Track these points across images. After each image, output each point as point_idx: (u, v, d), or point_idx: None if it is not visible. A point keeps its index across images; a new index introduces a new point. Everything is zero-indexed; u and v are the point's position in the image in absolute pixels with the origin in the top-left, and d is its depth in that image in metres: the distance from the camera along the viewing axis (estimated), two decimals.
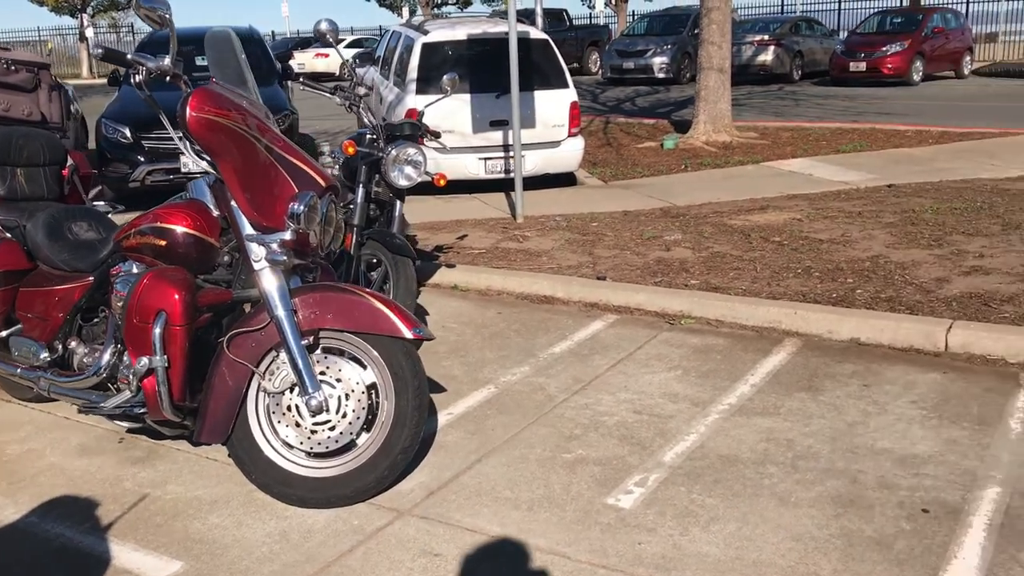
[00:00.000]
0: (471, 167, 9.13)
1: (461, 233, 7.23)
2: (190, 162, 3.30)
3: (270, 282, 3.24)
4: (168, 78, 3.16)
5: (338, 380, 3.31)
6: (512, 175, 8.93)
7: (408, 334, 3.24)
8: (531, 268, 6.11)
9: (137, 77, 3.12)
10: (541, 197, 8.72)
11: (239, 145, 3.15)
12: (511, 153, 8.99)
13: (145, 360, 3.19)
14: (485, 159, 9.13)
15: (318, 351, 3.33)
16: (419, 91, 9.25)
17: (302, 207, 3.17)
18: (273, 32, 41.29)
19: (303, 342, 3.24)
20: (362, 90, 4.89)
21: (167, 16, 3.04)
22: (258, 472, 3.32)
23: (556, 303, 5.59)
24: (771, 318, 4.98)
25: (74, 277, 3.77)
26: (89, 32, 36.48)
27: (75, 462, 3.73)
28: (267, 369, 3.30)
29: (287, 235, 3.20)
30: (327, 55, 30.13)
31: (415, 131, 4.86)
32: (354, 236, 4.57)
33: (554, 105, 9.37)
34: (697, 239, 6.82)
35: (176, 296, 3.19)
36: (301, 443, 3.32)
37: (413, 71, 9.45)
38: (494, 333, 5.09)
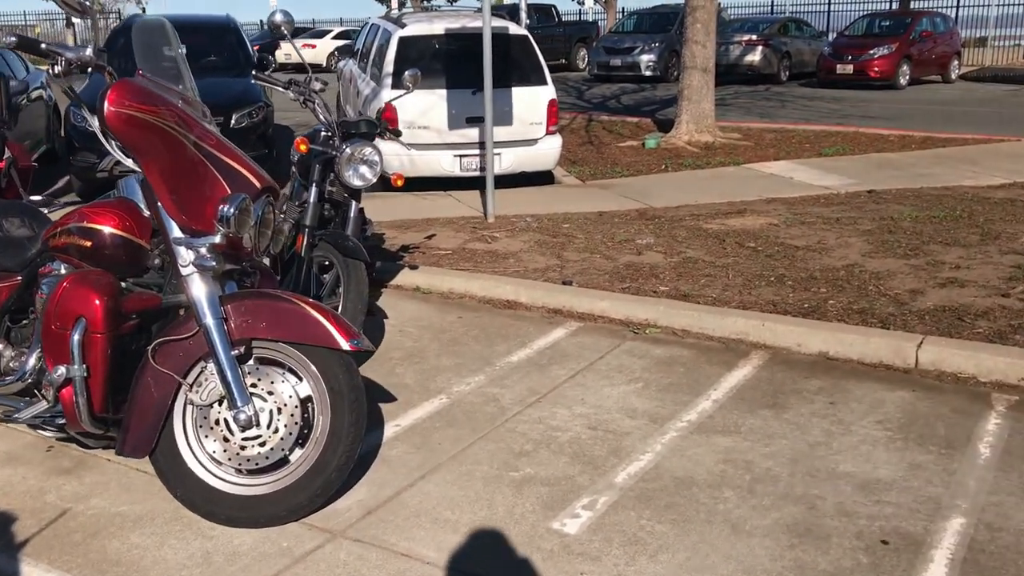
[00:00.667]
0: (446, 164, 8.95)
1: (430, 232, 7.05)
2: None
3: (199, 288, 3.06)
4: (90, 69, 2.97)
5: (270, 393, 3.13)
6: None
7: (345, 345, 3.06)
8: (496, 271, 5.93)
9: (56, 68, 2.92)
10: (516, 196, 8.55)
11: (165, 142, 2.96)
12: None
13: (62, 369, 3.00)
14: (460, 156, 8.94)
15: (251, 361, 3.15)
16: (395, 85, 9.04)
17: (232, 209, 2.98)
18: (262, 21, 40.87)
19: (233, 352, 3.06)
20: (317, 85, 4.70)
21: (86, 3, 2.85)
22: (183, 488, 3.14)
23: (519, 308, 5.41)
24: (738, 329, 4.82)
25: (1, 276, 3.58)
26: (76, 18, 35.97)
27: None
28: (195, 380, 3.12)
29: (217, 239, 3.01)
30: (314, 45, 29.86)
31: (371, 129, 4.68)
32: (305, 237, 4.38)
33: (532, 102, 9.20)
34: (670, 243, 6.66)
35: (97, 301, 3.00)
36: (230, 459, 3.13)
37: (389, 65, 9.25)
38: (452, 339, 4.91)
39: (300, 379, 3.16)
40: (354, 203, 4.58)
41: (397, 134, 5.04)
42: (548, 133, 9.33)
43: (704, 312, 4.98)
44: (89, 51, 2.94)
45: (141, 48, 3.31)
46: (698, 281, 5.69)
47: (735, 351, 4.70)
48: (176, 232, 3.06)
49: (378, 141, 8.97)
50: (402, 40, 9.34)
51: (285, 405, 3.12)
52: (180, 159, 3.00)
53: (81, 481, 3.46)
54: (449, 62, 9.19)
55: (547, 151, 9.34)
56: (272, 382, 3.13)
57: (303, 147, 4.46)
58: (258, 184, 3.17)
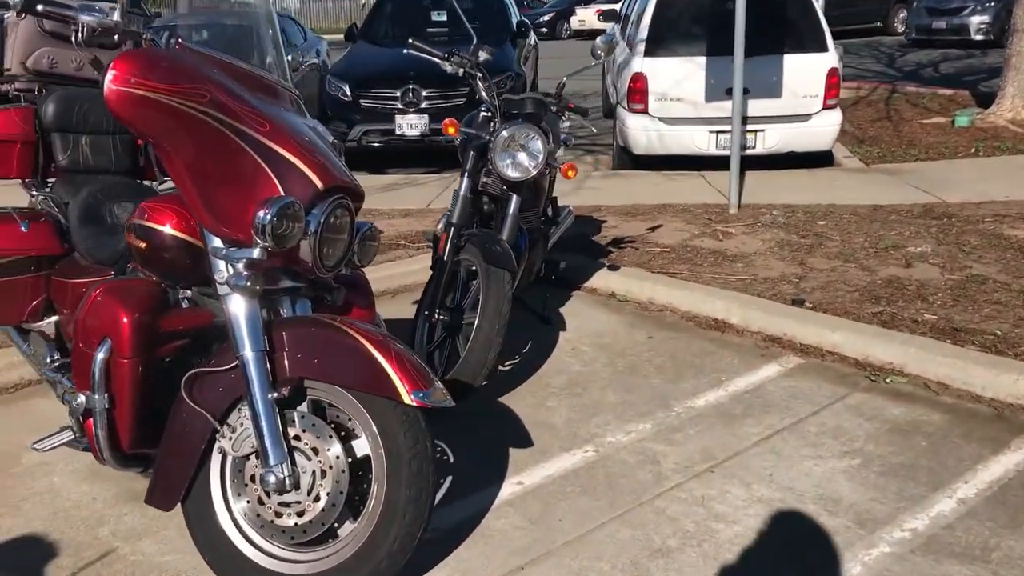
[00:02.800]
0: (699, 141, 7.94)
1: (656, 223, 6.11)
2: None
3: (237, 311, 2.44)
4: (116, 36, 2.41)
5: (315, 450, 2.46)
6: (750, 151, 7.69)
7: (408, 398, 2.33)
8: (716, 277, 4.91)
9: (78, 35, 2.39)
10: (776, 180, 7.38)
11: (191, 131, 2.34)
12: (750, 126, 7.70)
13: (82, 397, 2.52)
14: (717, 132, 7.88)
15: (303, 406, 2.50)
16: (648, 52, 8.17)
17: (270, 216, 2.32)
18: None
19: (275, 395, 2.42)
20: (483, 55, 3.94)
21: None
22: (212, 551, 2.55)
23: (727, 331, 4.37)
24: (1018, 391, 3.51)
25: (97, 270, 3.20)
26: None
27: (74, 488, 3.19)
28: (235, 423, 2.52)
29: (255, 252, 2.37)
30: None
31: (539, 109, 3.86)
32: (449, 237, 3.66)
33: (807, 72, 7.93)
34: (954, 253, 5.25)
35: (125, 319, 2.48)
36: (262, 526, 2.52)
37: (644, 29, 8.36)
38: (630, 367, 4.01)
39: (358, 436, 2.48)
40: (514, 197, 3.78)
41: (581, 112, 4.18)
42: (825, 107, 8.02)
43: (972, 361, 3.69)
44: (116, 16, 2.38)
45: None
46: (980, 310, 4.35)
47: (1009, 423, 3.41)
48: (216, 241, 2.46)
49: (627, 114, 8.18)
50: (660, 1, 8.38)
51: (331, 467, 2.45)
52: (213, 152, 2.38)
53: (144, 514, 3.00)
54: (711, 25, 8.12)
55: (822, 128, 8.04)
56: (318, 437, 2.46)
57: (451, 129, 3.75)
58: (320, 184, 2.48)
